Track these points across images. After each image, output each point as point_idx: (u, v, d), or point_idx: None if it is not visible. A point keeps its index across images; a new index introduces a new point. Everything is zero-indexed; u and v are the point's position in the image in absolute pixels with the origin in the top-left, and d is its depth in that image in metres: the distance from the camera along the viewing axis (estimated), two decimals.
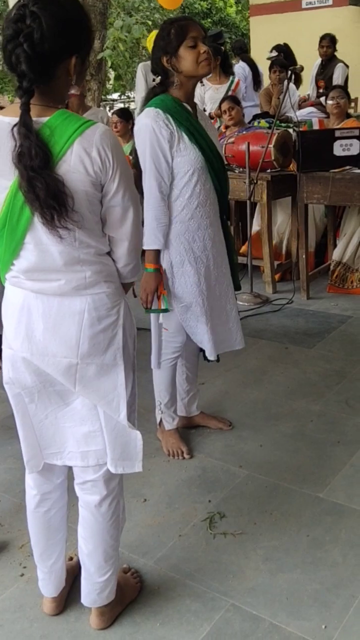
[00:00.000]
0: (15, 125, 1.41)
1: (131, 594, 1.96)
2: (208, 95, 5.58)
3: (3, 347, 1.66)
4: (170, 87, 2.35)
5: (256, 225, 4.75)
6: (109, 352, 1.62)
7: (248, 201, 4.41)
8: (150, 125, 2.27)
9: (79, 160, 1.45)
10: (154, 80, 2.41)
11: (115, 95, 16.79)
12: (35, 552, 1.89)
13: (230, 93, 5.44)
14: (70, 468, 1.80)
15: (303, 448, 2.68)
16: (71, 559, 2.07)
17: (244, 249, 4.89)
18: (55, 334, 1.57)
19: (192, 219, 2.38)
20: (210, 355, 2.58)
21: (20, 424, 1.73)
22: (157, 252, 2.38)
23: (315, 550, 2.11)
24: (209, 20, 17.49)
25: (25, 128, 1.39)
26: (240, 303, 4.40)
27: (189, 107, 2.37)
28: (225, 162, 4.72)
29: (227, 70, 5.64)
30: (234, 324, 2.61)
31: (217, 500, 2.39)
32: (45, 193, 1.40)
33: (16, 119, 1.43)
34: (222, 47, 5.74)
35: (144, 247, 2.27)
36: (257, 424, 2.88)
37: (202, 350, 2.65)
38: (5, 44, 1.42)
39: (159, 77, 2.36)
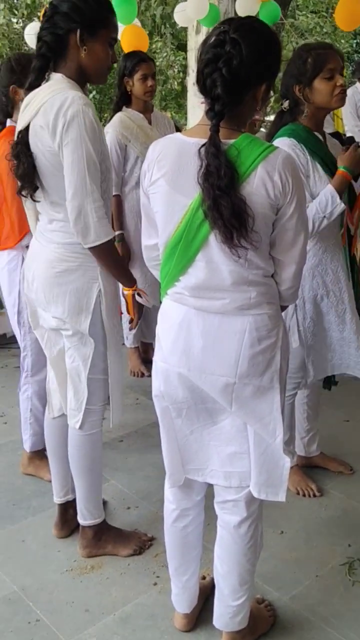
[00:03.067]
0: (203, 145, 1.45)
1: (263, 627, 1.91)
2: None
3: (156, 360, 1.69)
4: (299, 115, 2.26)
5: None
6: (266, 374, 1.60)
7: None
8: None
9: (262, 183, 1.47)
10: (281, 104, 2.30)
11: (272, 117, 16.82)
12: (171, 566, 1.91)
13: None
14: (210, 486, 1.80)
15: None
16: (204, 577, 2.06)
17: None
18: (214, 351, 1.58)
19: (325, 252, 2.30)
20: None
21: (164, 437, 1.75)
22: None
23: None
24: None
25: (215, 148, 1.43)
26: None
27: (320, 137, 2.29)
28: None
29: None
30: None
31: (357, 546, 2.27)
32: (230, 212, 1.43)
33: (201, 140, 1.48)
34: None
35: None
36: None
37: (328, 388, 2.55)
38: (202, 67, 1.47)
39: (287, 101, 2.26)
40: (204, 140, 1.46)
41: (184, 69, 9.98)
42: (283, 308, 1.71)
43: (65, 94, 1.81)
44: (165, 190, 1.54)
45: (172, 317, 1.63)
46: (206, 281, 1.55)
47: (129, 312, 2.19)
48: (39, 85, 1.89)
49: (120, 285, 2.14)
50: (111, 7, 1.94)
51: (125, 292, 2.13)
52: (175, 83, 10.57)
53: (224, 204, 1.43)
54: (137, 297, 2.14)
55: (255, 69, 1.46)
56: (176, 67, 10.33)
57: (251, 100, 1.51)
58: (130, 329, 2.22)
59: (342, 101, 2.21)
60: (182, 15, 5.23)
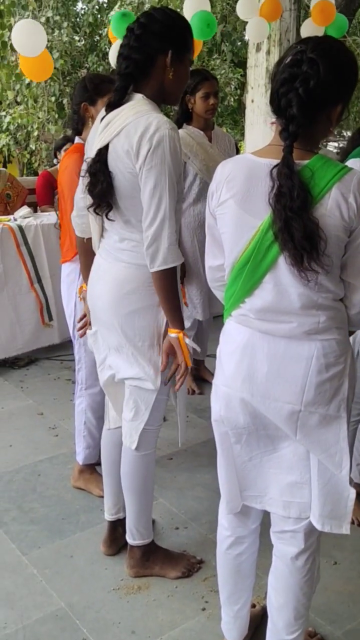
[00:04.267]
0: (275, 166, 1.42)
1: None
2: None
3: (217, 383, 1.65)
4: None
5: None
6: (333, 402, 1.54)
7: None
8: None
9: (336, 205, 1.42)
10: (342, 120, 2.24)
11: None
12: (222, 594, 1.86)
13: None
14: (267, 514, 1.75)
15: None
16: (254, 606, 2.00)
17: None
18: (279, 377, 1.53)
19: None
20: None
21: (223, 463, 1.71)
22: None
23: None
24: None
25: (288, 169, 1.40)
26: None
27: None
28: None
29: None
30: None
31: None
32: (302, 235, 1.39)
33: (273, 161, 1.45)
34: None
35: None
36: None
37: None
38: (278, 87, 1.44)
39: None
40: (276, 161, 1.43)
41: (241, 85, 10.01)
42: (351, 333, 1.65)
43: (150, 117, 1.79)
44: (234, 211, 1.51)
45: (236, 340, 1.59)
46: (273, 304, 1.51)
47: (185, 360, 1.97)
48: (120, 104, 1.87)
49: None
50: (191, 30, 1.94)
51: (173, 335, 1.94)
52: (232, 99, 10.60)
53: (295, 226, 1.40)
54: (187, 340, 1.96)
55: (332, 90, 1.43)
56: (233, 83, 10.36)
57: (325, 120, 1.48)
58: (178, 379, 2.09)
59: None
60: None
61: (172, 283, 1.91)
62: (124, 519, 2.25)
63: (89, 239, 2.14)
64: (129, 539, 2.21)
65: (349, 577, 2.20)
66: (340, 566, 2.26)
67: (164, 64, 1.85)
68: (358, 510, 2.50)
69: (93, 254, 2.12)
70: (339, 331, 1.55)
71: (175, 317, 1.95)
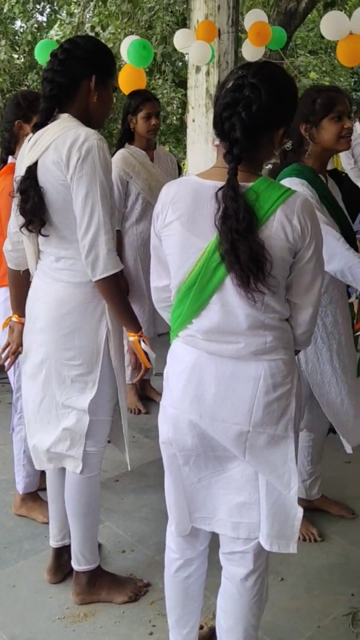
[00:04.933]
0: (220, 188, 1.44)
1: None
2: None
3: (165, 405, 1.64)
4: (303, 156, 2.26)
5: None
6: (281, 422, 1.55)
7: None
8: None
9: (281, 227, 1.45)
10: (284, 143, 2.32)
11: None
12: (171, 618, 1.83)
13: None
14: (214, 535, 1.74)
15: None
16: (202, 627, 1.98)
17: None
18: (227, 398, 1.53)
19: (325, 293, 2.27)
20: (348, 446, 2.37)
21: (171, 485, 1.70)
22: None
23: None
24: None
25: (233, 191, 1.42)
26: None
27: (323, 179, 2.29)
28: None
29: None
30: None
31: None
32: (248, 256, 1.41)
33: (217, 183, 1.46)
34: None
35: None
36: None
37: (332, 431, 2.49)
38: (221, 111, 1.46)
39: (290, 142, 2.28)
40: (221, 183, 1.45)
41: (183, 104, 10.15)
42: (296, 352, 1.68)
43: (79, 130, 1.83)
44: (180, 233, 1.52)
45: (183, 361, 1.59)
46: (221, 324, 1.52)
47: (142, 362, 2.02)
48: (46, 124, 1.90)
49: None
50: (113, 57, 2.00)
51: (131, 339, 2.00)
52: (175, 118, 10.74)
53: (241, 248, 1.41)
54: (142, 343, 2.00)
55: (274, 114, 1.46)
56: (175, 103, 10.50)
57: (268, 143, 1.52)
58: (133, 378, 2.12)
59: (347, 144, 2.23)
60: (181, 44, 5.31)
61: (118, 288, 1.94)
62: (70, 545, 2.20)
63: (25, 270, 2.11)
64: (75, 565, 2.16)
65: (295, 593, 2.22)
66: (286, 582, 2.27)
67: (88, 88, 1.91)
68: (304, 526, 2.52)
69: (25, 285, 2.09)
70: (286, 351, 1.57)
71: (129, 320, 1.99)
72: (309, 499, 2.66)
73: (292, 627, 2.07)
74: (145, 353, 1.99)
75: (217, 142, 1.57)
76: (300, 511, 1.58)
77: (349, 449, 2.40)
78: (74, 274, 1.94)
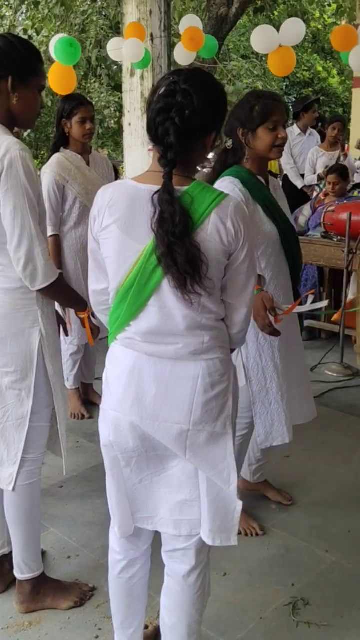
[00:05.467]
0: (156, 192, 1.47)
1: None
2: (322, 161, 5.77)
3: (105, 408, 1.66)
4: (242, 158, 2.32)
5: (351, 294, 4.66)
6: (220, 419, 1.60)
7: (345, 270, 4.36)
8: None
9: (216, 230, 1.49)
10: (225, 142, 2.36)
11: (209, 155, 17.36)
12: (116, 620, 1.85)
13: (342, 158, 5.62)
14: (157, 534, 1.77)
15: None
16: (147, 627, 2.00)
17: (336, 317, 4.80)
18: (167, 398, 1.56)
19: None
20: (285, 438, 2.44)
21: (113, 487, 1.71)
22: None
23: None
24: (310, 89, 17.84)
25: (169, 195, 1.45)
26: (329, 373, 4.30)
27: (262, 180, 2.36)
28: (323, 230, 4.74)
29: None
30: (307, 396, 2.53)
31: (301, 585, 2.27)
32: (185, 259, 1.45)
33: (153, 187, 1.49)
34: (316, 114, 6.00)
35: None
36: (346, 507, 2.75)
37: None
38: (154, 116, 1.49)
39: (230, 141, 2.32)
40: (156, 187, 1.48)
41: (120, 108, 10.16)
42: (231, 351, 1.72)
43: (0, 141, 1.81)
44: (118, 236, 1.54)
45: (122, 363, 1.61)
46: (159, 326, 1.55)
47: (88, 339, 2.30)
48: None
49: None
50: (40, 55, 1.97)
51: (81, 317, 2.20)
52: (112, 122, 10.73)
53: (178, 251, 1.45)
54: (92, 318, 2.20)
55: (206, 119, 1.50)
56: (112, 106, 10.49)
57: (201, 148, 1.55)
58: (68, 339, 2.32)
59: (279, 154, 2.29)
60: (116, 53, 5.38)
61: (61, 289, 2.04)
62: (11, 553, 2.18)
63: None
64: (17, 574, 2.14)
65: (238, 587, 2.27)
66: (229, 577, 2.32)
67: (6, 89, 1.88)
68: (244, 519, 2.58)
69: None
70: (222, 350, 1.62)
71: (75, 304, 2.18)
72: (250, 481, 2.75)
73: (235, 620, 2.12)
74: (93, 330, 2.23)
75: (150, 147, 1.60)
76: (239, 504, 1.63)
77: (281, 440, 2.44)
78: (3, 280, 1.93)
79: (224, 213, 1.50)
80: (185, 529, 1.67)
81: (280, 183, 3.92)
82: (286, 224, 2.39)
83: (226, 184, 2.22)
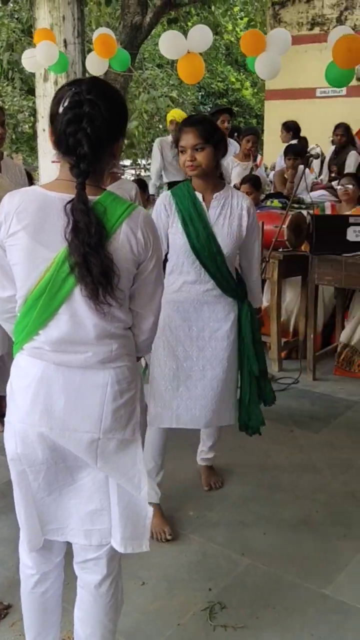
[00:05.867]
0: (70, 201, 1.46)
1: None
2: (236, 172, 5.88)
3: (11, 420, 1.61)
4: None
5: (265, 302, 4.79)
6: (129, 426, 1.61)
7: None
8: (157, 202, 2.53)
9: (127, 240, 1.51)
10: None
11: (127, 162, 17.38)
12: (29, 635, 1.81)
13: (254, 169, 5.78)
14: (69, 546, 1.75)
15: (308, 539, 2.60)
16: None
17: None
18: (77, 408, 1.55)
19: (179, 292, 2.51)
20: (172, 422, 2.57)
21: (22, 501, 1.67)
22: None
23: None
24: (225, 100, 18.22)
25: (84, 205, 1.45)
26: None
27: (198, 196, 2.48)
28: None
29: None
30: (216, 400, 2.60)
31: (218, 589, 2.30)
32: (100, 270, 1.45)
33: (64, 195, 1.48)
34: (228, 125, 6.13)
35: None
36: (260, 510, 2.81)
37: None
38: (64, 128, 1.48)
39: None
40: (67, 196, 1.47)
41: (34, 112, 10.00)
42: (137, 359, 1.73)
43: None
44: (26, 243, 1.51)
45: (30, 374, 1.57)
46: (69, 334, 1.53)
47: None
48: None
49: None
50: None
51: None
52: (27, 126, 10.53)
53: (93, 262, 1.45)
54: None
55: (114, 127, 1.52)
56: (26, 111, 10.30)
57: (109, 156, 1.57)
58: None
59: (190, 172, 2.46)
60: (30, 62, 5.30)
61: None
62: None
63: None
64: None
65: (156, 595, 2.27)
66: (147, 585, 2.32)
67: None
68: (157, 523, 2.57)
69: None
70: (129, 358, 1.63)
71: None
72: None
73: (152, 628, 2.12)
74: None
75: (55, 158, 1.59)
76: (150, 510, 1.65)
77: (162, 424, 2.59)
78: None
79: (135, 223, 1.52)
80: (96, 539, 1.66)
81: None
82: (201, 240, 2.46)
83: (162, 194, 2.48)
